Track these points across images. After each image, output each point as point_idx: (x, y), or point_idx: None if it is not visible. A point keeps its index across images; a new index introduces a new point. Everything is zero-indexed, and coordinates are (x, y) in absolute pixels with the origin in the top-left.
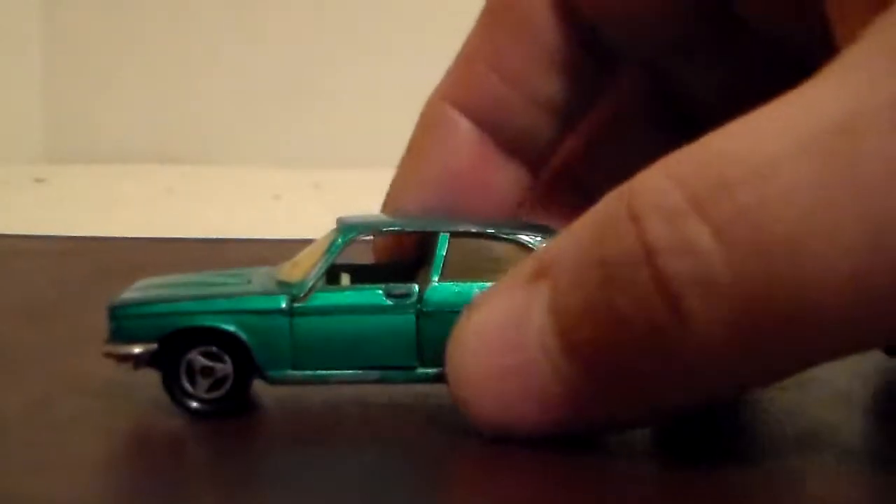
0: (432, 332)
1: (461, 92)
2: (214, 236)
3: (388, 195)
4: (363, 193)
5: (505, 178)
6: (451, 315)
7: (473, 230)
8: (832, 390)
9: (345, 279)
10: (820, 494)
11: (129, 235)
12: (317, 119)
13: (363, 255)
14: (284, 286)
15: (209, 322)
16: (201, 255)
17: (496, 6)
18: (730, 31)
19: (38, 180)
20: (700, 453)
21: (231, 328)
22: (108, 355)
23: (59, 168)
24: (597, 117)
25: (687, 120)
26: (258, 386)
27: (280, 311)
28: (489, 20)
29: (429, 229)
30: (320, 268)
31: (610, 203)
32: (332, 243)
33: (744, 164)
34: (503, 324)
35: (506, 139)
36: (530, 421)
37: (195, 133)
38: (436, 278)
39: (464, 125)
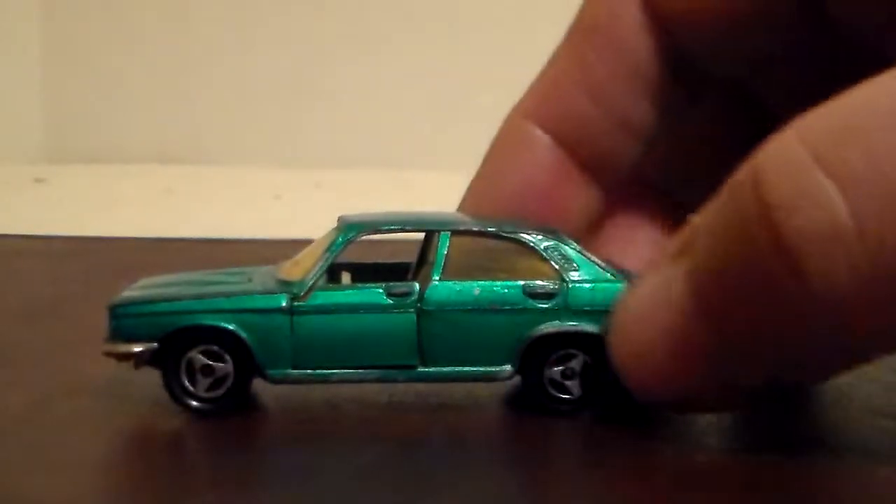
0: (433, 330)
1: (545, 109)
2: (214, 236)
3: (462, 206)
4: (363, 193)
5: (581, 197)
6: (452, 314)
7: (475, 229)
8: (833, 390)
9: (346, 278)
10: (821, 493)
11: (129, 235)
12: (317, 119)
13: (366, 253)
14: (285, 285)
15: (209, 321)
16: (201, 255)
17: (587, 25)
18: (817, 37)
19: (38, 180)
20: (699, 453)
21: (231, 327)
22: (109, 354)
23: (59, 168)
24: (680, 132)
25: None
26: (259, 385)
27: (280, 310)
28: (579, 39)
29: (430, 228)
30: (321, 266)
31: (741, 168)
32: (333, 242)
33: (873, 110)
34: (652, 295)
35: (585, 158)
36: (675, 381)
37: (195, 133)
38: (437, 277)
39: (544, 142)
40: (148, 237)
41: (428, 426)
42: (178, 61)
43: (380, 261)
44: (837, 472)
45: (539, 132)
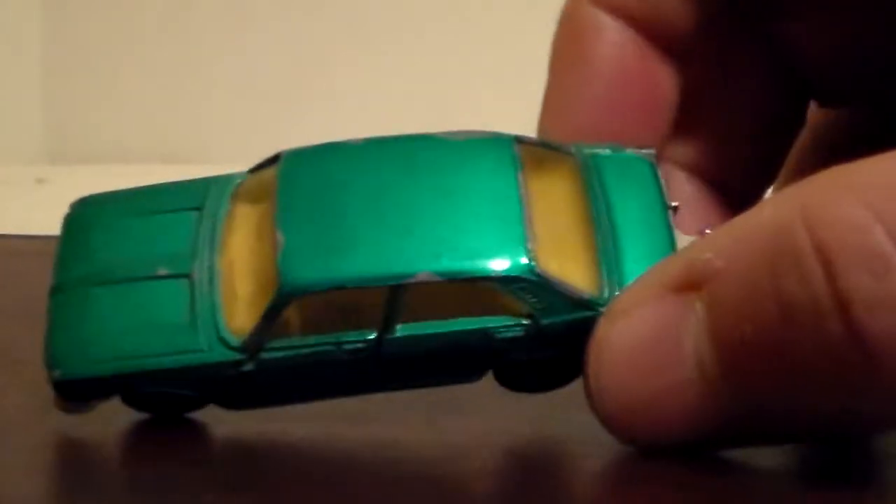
0: (392, 381)
1: None
2: None
3: (541, 125)
4: None
5: (667, 79)
6: (410, 361)
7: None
8: None
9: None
10: (820, 494)
11: None
12: (317, 119)
13: None
14: (230, 338)
15: (158, 389)
16: None
17: None
18: None
19: (39, 180)
20: (698, 452)
21: (183, 392)
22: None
23: (59, 168)
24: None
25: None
26: None
27: (227, 376)
28: None
29: (389, 283)
30: (261, 329)
31: (784, 221)
32: (272, 306)
33: None
34: (653, 340)
35: (660, 35)
36: (678, 437)
37: (195, 133)
38: (398, 325)
39: (614, 26)
40: None
41: (428, 427)
42: (178, 61)
43: None
44: (837, 472)
45: (605, 16)
